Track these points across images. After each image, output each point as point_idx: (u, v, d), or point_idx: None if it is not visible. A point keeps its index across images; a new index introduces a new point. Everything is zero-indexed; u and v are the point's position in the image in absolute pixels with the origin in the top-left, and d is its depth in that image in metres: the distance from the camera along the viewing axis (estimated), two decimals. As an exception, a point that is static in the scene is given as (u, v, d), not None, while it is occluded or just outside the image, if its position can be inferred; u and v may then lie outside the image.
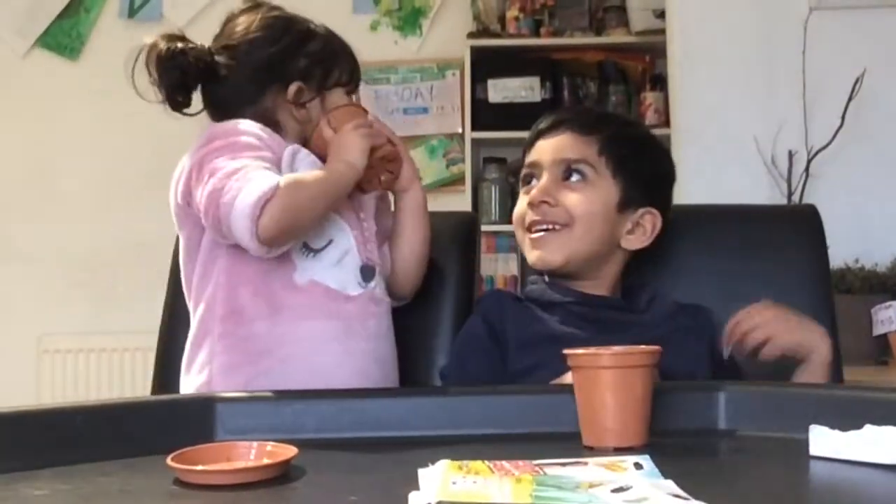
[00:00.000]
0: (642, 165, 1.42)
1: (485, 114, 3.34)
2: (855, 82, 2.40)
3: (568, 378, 1.20)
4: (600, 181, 1.39)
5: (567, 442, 0.96)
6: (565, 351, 1.01)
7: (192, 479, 0.83)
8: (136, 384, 3.33)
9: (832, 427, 0.89)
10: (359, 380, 1.31)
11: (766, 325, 1.26)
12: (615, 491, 0.73)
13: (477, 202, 3.41)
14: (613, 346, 1.00)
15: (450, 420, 1.04)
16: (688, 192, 2.51)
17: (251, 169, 1.22)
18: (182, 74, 1.35)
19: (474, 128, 3.35)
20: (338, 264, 1.33)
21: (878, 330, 2.20)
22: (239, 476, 0.84)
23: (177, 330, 1.43)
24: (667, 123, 2.92)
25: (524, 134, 1.50)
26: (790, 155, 2.47)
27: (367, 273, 1.36)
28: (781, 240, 1.55)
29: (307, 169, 1.31)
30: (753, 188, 2.48)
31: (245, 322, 1.30)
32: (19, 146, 3.52)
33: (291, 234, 1.25)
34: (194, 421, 1.02)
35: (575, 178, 1.39)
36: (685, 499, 0.71)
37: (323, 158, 1.34)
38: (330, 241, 1.33)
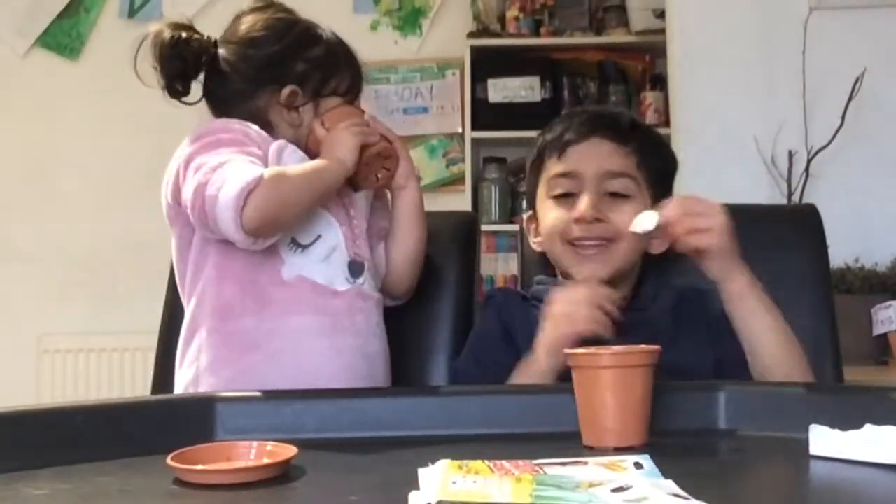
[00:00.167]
0: (667, 172, 1.46)
1: (485, 113, 3.34)
2: (855, 82, 2.40)
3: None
4: (640, 194, 1.38)
5: (567, 442, 0.96)
6: (565, 350, 1.02)
7: (191, 479, 0.83)
8: (136, 384, 3.33)
9: (832, 427, 0.89)
10: (346, 375, 1.31)
11: (712, 240, 1.25)
12: (615, 491, 0.73)
13: (477, 202, 3.41)
14: (613, 346, 1.00)
15: (450, 420, 1.04)
16: (688, 191, 2.51)
17: (235, 162, 1.24)
18: (182, 63, 1.37)
19: (474, 127, 3.35)
20: (326, 260, 1.34)
21: (878, 330, 2.20)
22: (239, 476, 0.84)
23: (177, 330, 1.43)
24: (667, 123, 2.92)
25: (524, 134, 1.50)
26: (790, 155, 2.47)
27: (355, 269, 1.36)
28: (781, 240, 1.55)
29: (294, 164, 1.31)
30: (753, 188, 2.48)
31: (233, 317, 1.31)
32: (19, 146, 3.52)
33: (276, 225, 1.25)
34: (194, 421, 1.02)
35: (619, 191, 1.37)
36: (685, 499, 0.71)
37: (316, 158, 1.34)
38: (318, 237, 1.34)
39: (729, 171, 2.52)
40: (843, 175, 2.47)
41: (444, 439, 0.99)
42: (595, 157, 1.38)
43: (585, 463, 0.84)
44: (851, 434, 0.87)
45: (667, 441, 0.96)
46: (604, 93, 3.44)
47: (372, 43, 3.44)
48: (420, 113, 3.50)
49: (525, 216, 1.51)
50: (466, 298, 1.53)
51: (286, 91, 1.37)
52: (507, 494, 0.72)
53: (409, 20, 3.54)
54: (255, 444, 0.91)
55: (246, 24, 1.41)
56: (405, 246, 1.43)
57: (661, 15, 2.96)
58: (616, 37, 3.41)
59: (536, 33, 3.42)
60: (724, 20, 2.58)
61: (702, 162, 2.54)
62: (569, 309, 1.24)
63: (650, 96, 3.38)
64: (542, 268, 1.48)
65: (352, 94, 1.43)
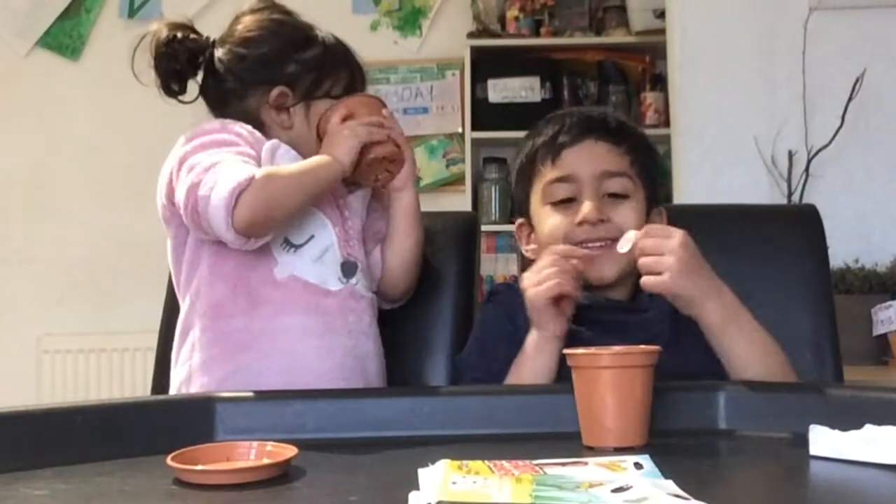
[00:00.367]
0: (656, 170, 1.45)
1: (485, 114, 3.34)
2: (855, 82, 2.40)
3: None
4: (637, 193, 1.38)
5: (567, 442, 0.96)
6: (565, 350, 1.02)
7: (191, 479, 0.83)
8: (136, 384, 3.33)
9: (832, 427, 0.89)
10: (338, 375, 1.31)
11: (668, 262, 1.18)
12: (615, 491, 0.73)
13: (477, 202, 3.41)
14: (613, 346, 1.00)
15: (450, 420, 1.04)
16: (688, 192, 2.52)
17: (227, 162, 1.24)
18: (177, 63, 1.38)
19: (474, 128, 3.35)
20: (318, 260, 1.34)
21: (878, 330, 2.20)
22: (239, 476, 0.84)
23: (176, 330, 1.43)
24: (667, 123, 2.93)
25: (524, 134, 1.49)
26: (790, 155, 2.48)
27: (348, 269, 1.36)
28: (781, 240, 1.55)
29: (287, 164, 1.31)
30: (753, 188, 2.49)
31: (225, 317, 1.31)
32: (20, 146, 3.52)
33: (268, 224, 1.25)
34: (194, 421, 1.02)
35: (618, 191, 1.37)
36: (685, 499, 0.71)
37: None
38: (311, 237, 1.34)
39: (729, 171, 2.52)
40: (843, 175, 2.47)
41: (444, 439, 0.99)
42: (591, 158, 1.37)
43: (585, 463, 0.84)
44: (851, 434, 0.87)
45: (667, 441, 0.96)
46: (604, 93, 3.44)
47: (372, 43, 3.44)
48: (420, 113, 3.50)
49: (517, 223, 1.48)
50: (466, 298, 1.53)
51: (275, 92, 1.38)
52: (507, 494, 0.72)
53: (409, 20, 3.54)
54: (255, 444, 0.91)
55: (242, 25, 1.42)
56: (402, 249, 1.42)
57: (661, 15, 2.96)
58: (616, 37, 3.41)
59: (536, 33, 3.42)
60: (724, 20, 2.58)
61: (702, 162, 2.55)
62: (533, 279, 1.24)
63: (650, 96, 3.38)
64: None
65: (347, 96, 1.42)
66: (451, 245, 1.55)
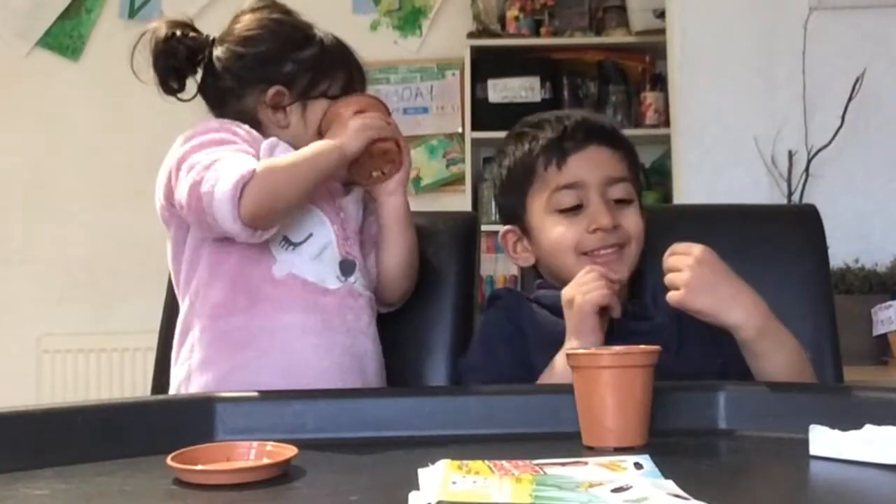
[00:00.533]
0: (639, 169, 1.45)
1: (485, 114, 3.34)
2: (855, 82, 2.40)
3: (559, 367, 1.20)
4: (635, 196, 1.40)
5: (567, 442, 0.96)
6: (565, 351, 1.02)
7: (191, 479, 0.83)
8: (136, 384, 3.33)
9: (832, 427, 0.89)
10: (336, 373, 1.31)
11: (684, 278, 1.18)
12: (615, 491, 0.73)
13: (477, 202, 3.41)
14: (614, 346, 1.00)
15: (450, 420, 1.04)
16: (688, 192, 2.52)
17: (228, 158, 1.24)
18: (175, 61, 1.38)
19: (474, 128, 3.35)
20: (317, 258, 1.34)
21: (878, 330, 2.21)
22: (239, 476, 0.84)
23: (176, 330, 1.43)
24: (667, 123, 2.93)
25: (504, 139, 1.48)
26: (790, 155, 2.48)
27: (346, 268, 1.36)
28: (781, 240, 1.55)
29: None
30: (753, 188, 2.49)
31: (224, 315, 1.31)
32: (20, 146, 3.52)
33: (273, 214, 1.25)
34: (194, 421, 1.02)
35: (622, 196, 1.37)
36: (685, 499, 0.71)
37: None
38: (310, 235, 1.34)
39: (729, 171, 2.53)
40: (843, 175, 2.48)
41: (444, 439, 0.99)
42: (597, 165, 1.37)
43: (585, 463, 0.84)
44: (851, 434, 0.87)
45: (667, 441, 0.96)
46: (604, 93, 3.44)
47: (372, 43, 3.44)
48: (420, 113, 3.50)
49: (502, 232, 1.46)
50: (466, 298, 1.53)
51: (272, 91, 1.38)
52: (507, 494, 0.72)
53: (409, 20, 3.54)
54: (255, 444, 0.91)
55: (241, 24, 1.42)
56: (395, 253, 1.42)
57: (661, 15, 2.96)
58: (616, 37, 3.41)
59: (536, 33, 3.42)
60: (724, 20, 2.58)
61: (702, 162, 2.55)
62: (581, 289, 1.24)
63: (650, 96, 3.38)
64: (538, 273, 1.47)
65: (334, 96, 1.41)
66: (451, 245, 1.55)
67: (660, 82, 3.34)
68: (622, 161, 1.40)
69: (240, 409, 1.05)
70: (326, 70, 1.40)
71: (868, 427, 0.87)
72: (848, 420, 0.89)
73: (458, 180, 3.46)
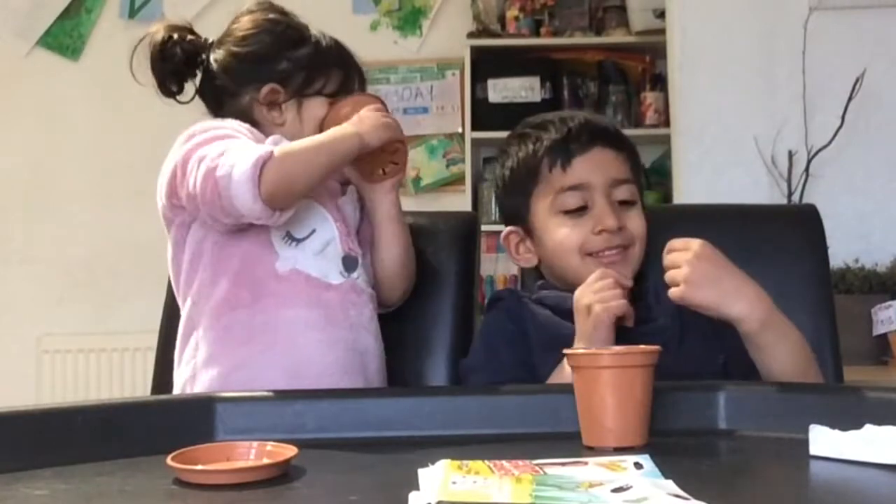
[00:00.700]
0: (641, 171, 1.45)
1: (485, 114, 3.34)
2: (855, 82, 2.40)
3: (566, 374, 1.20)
4: (639, 197, 1.40)
5: (567, 442, 0.96)
6: (565, 351, 1.02)
7: (191, 479, 0.83)
8: (136, 384, 3.33)
9: (832, 427, 0.89)
10: (338, 368, 1.31)
11: (683, 273, 1.18)
12: (615, 491, 0.73)
13: (477, 202, 3.41)
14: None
15: (450, 420, 1.04)
16: (688, 192, 2.52)
17: (238, 146, 1.25)
18: (172, 63, 1.39)
19: (474, 128, 3.35)
20: (320, 253, 1.34)
21: (878, 330, 2.20)
22: (239, 476, 0.84)
23: (177, 330, 1.43)
24: (667, 123, 2.93)
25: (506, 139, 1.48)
26: (790, 155, 2.48)
27: (349, 263, 1.36)
28: (781, 240, 1.55)
29: None
30: (753, 188, 2.49)
31: (227, 311, 1.31)
32: (20, 146, 3.52)
33: (291, 195, 1.25)
34: (194, 421, 1.02)
35: (626, 198, 1.37)
36: (685, 499, 0.71)
37: None
38: (313, 231, 1.35)
39: (729, 171, 2.53)
40: (843, 175, 2.48)
41: (444, 439, 0.99)
42: (601, 166, 1.37)
43: (585, 463, 0.84)
44: (851, 434, 0.87)
45: (667, 441, 0.96)
46: (604, 93, 3.45)
47: (372, 43, 3.44)
48: (420, 113, 3.50)
49: (504, 233, 1.46)
50: (466, 298, 1.53)
51: (266, 89, 1.38)
52: (507, 494, 0.72)
53: (409, 20, 3.54)
54: (255, 444, 0.91)
55: (238, 24, 1.43)
56: (391, 253, 1.42)
57: (661, 15, 2.96)
58: (616, 37, 3.41)
59: (536, 33, 3.42)
60: (724, 20, 2.58)
61: (702, 162, 2.55)
62: (598, 296, 1.23)
63: (650, 96, 3.38)
64: (540, 273, 1.47)
65: (341, 96, 1.41)
66: (451, 245, 1.55)
67: (660, 82, 3.34)
68: (626, 163, 1.40)
69: (240, 409, 1.05)
70: (321, 68, 1.41)
71: (868, 427, 0.87)
72: (848, 420, 0.89)
73: (458, 180, 3.47)
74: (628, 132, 1.56)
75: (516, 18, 3.40)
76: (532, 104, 3.29)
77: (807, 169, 2.45)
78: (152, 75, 1.39)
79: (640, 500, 0.71)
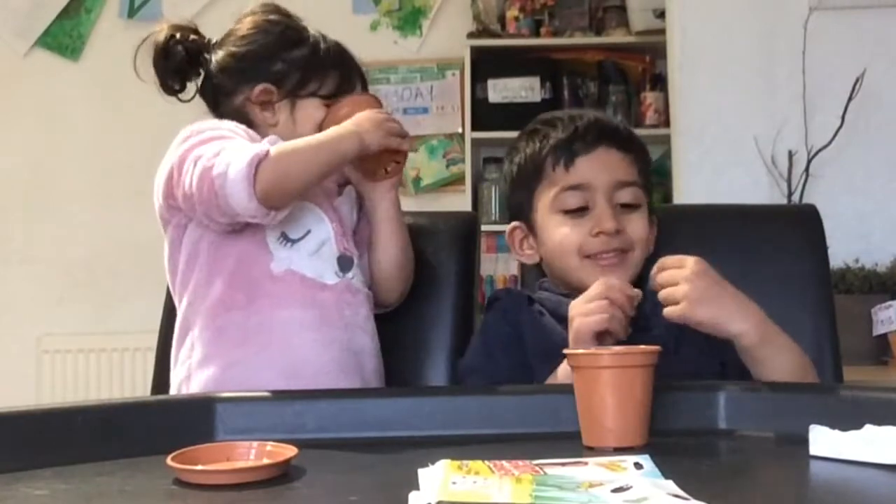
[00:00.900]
0: (651, 174, 1.44)
1: (485, 114, 3.34)
2: (855, 82, 2.40)
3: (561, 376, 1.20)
4: (643, 201, 1.38)
5: (567, 442, 0.96)
6: (565, 351, 1.02)
7: (191, 479, 0.83)
8: (136, 384, 3.33)
9: (832, 427, 0.89)
10: (334, 368, 1.31)
11: (682, 291, 1.16)
12: (615, 491, 0.73)
13: (477, 202, 3.41)
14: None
15: (450, 420, 1.04)
16: (688, 192, 2.52)
17: (235, 145, 1.25)
18: (173, 63, 1.41)
19: (474, 128, 3.35)
20: (315, 254, 1.34)
21: (878, 330, 2.21)
22: (239, 476, 0.84)
23: (175, 332, 1.44)
24: (667, 124, 2.93)
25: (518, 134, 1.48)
26: (790, 155, 2.48)
27: (344, 263, 1.36)
28: (781, 240, 1.55)
29: None
30: (753, 188, 2.49)
31: (222, 312, 1.31)
32: (20, 146, 3.52)
33: (287, 195, 1.25)
34: (194, 421, 1.02)
35: (629, 201, 1.36)
36: (685, 499, 0.71)
37: None
38: (308, 232, 1.35)
39: (729, 171, 2.53)
40: (843, 175, 2.48)
41: (444, 439, 0.99)
42: (605, 167, 1.36)
43: (585, 463, 0.84)
44: (851, 434, 0.87)
45: (667, 441, 0.96)
46: (604, 93, 3.44)
47: (372, 43, 3.44)
48: (420, 113, 3.50)
49: (509, 228, 1.45)
50: (466, 298, 1.53)
51: (258, 88, 1.39)
52: (507, 495, 0.72)
53: (409, 20, 3.54)
54: (255, 444, 0.91)
55: (239, 25, 1.45)
56: (388, 253, 1.42)
57: (661, 15, 2.96)
58: (616, 37, 3.41)
59: (536, 33, 3.42)
60: (724, 20, 2.58)
61: (702, 162, 2.55)
62: (582, 309, 1.21)
63: (650, 96, 3.38)
64: (541, 271, 1.47)
65: (339, 98, 1.41)
66: (451, 245, 1.56)
67: (660, 82, 3.34)
68: (632, 165, 1.38)
69: (240, 409, 1.05)
70: (317, 70, 1.41)
71: (868, 427, 0.87)
72: (848, 420, 0.89)
73: (458, 180, 3.47)
74: (628, 132, 1.55)
75: (516, 18, 3.40)
76: (532, 104, 3.29)
77: (807, 169, 2.45)
78: (155, 73, 1.39)
79: (640, 500, 0.71)
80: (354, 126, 1.30)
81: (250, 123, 1.39)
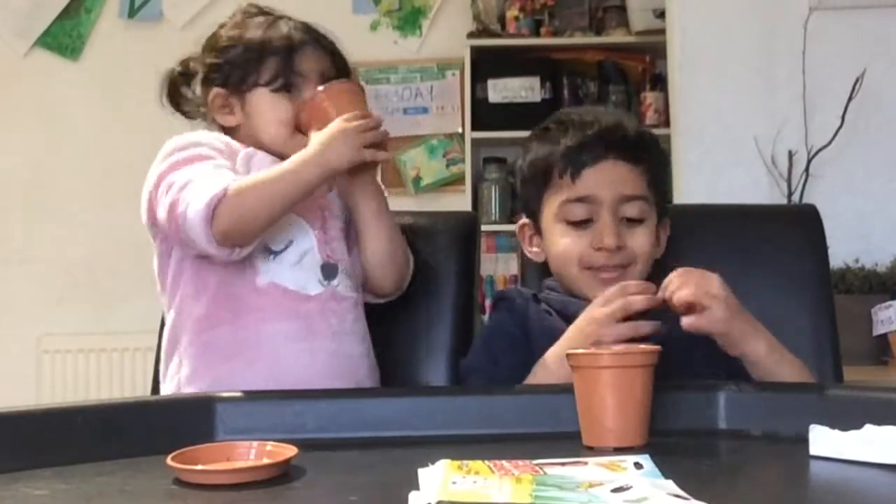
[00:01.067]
0: (667, 180, 1.43)
1: (485, 114, 3.34)
2: (855, 82, 2.40)
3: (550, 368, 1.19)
4: (650, 214, 1.36)
5: (567, 442, 0.96)
6: (566, 351, 1.02)
7: (191, 479, 0.83)
8: (136, 384, 3.33)
9: (832, 427, 0.89)
10: (324, 377, 1.31)
11: (718, 309, 1.16)
12: (615, 491, 0.73)
13: (477, 202, 3.41)
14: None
15: (450, 420, 1.04)
16: (688, 192, 2.52)
17: (200, 178, 1.26)
18: (182, 97, 1.45)
19: (474, 128, 3.35)
20: (297, 265, 1.34)
21: (878, 330, 2.21)
22: (239, 476, 0.84)
23: (163, 345, 1.44)
24: (667, 124, 2.92)
25: (524, 134, 1.48)
26: (790, 155, 2.47)
27: (328, 271, 1.36)
28: (781, 240, 1.55)
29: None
30: (753, 188, 2.49)
31: (209, 328, 1.32)
32: (19, 146, 3.52)
33: (248, 233, 1.26)
34: (194, 421, 1.02)
35: (634, 216, 1.34)
36: (685, 499, 0.71)
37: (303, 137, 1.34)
38: (290, 242, 1.35)
39: (729, 171, 2.52)
40: (843, 175, 2.47)
41: (444, 439, 0.99)
42: (612, 181, 1.34)
43: (585, 463, 0.84)
44: (851, 434, 0.87)
45: (667, 441, 0.96)
46: (604, 93, 3.44)
47: (372, 43, 3.44)
48: (420, 113, 3.50)
49: (520, 224, 1.46)
50: (466, 298, 1.53)
51: (211, 95, 1.40)
52: (507, 495, 0.72)
53: (409, 20, 3.54)
54: (255, 444, 0.91)
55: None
56: (375, 246, 1.39)
57: (661, 15, 2.96)
58: (616, 37, 3.41)
59: (536, 33, 3.42)
60: (724, 20, 2.58)
61: (702, 162, 2.54)
62: (591, 326, 1.20)
63: (650, 96, 3.38)
64: (544, 270, 1.47)
65: (280, 83, 1.38)
66: (451, 245, 1.55)
67: (660, 82, 3.34)
68: (641, 177, 1.36)
69: (240, 409, 1.05)
70: (255, 61, 1.39)
71: (868, 427, 0.87)
72: (848, 420, 0.89)
73: (458, 180, 3.46)
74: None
75: (516, 18, 3.40)
76: (532, 104, 3.29)
77: (807, 169, 2.45)
78: (171, 105, 1.45)
79: (640, 500, 0.71)
80: (321, 145, 1.28)
81: (224, 130, 1.41)
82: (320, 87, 1.35)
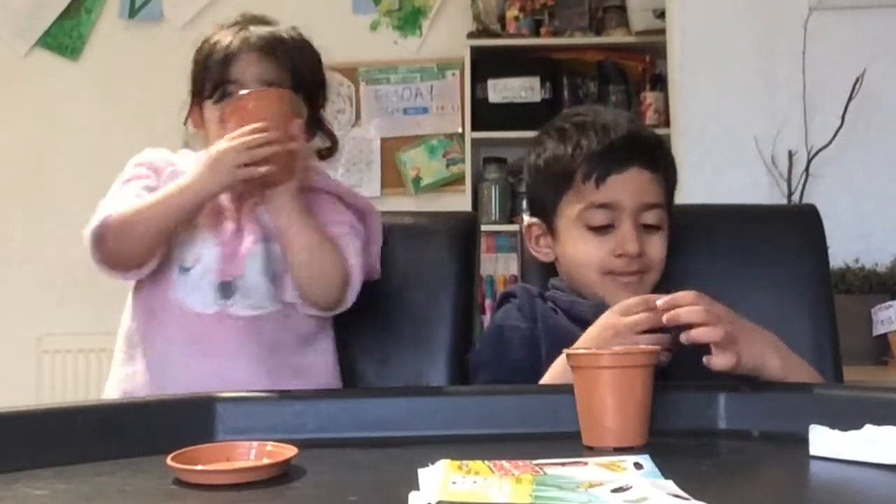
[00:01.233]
0: (674, 191, 1.42)
1: (485, 114, 3.34)
2: (855, 82, 2.40)
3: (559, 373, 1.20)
4: (665, 221, 1.37)
5: (567, 442, 0.96)
6: (565, 351, 1.02)
7: (191, 479, 0.83)
8: (136, 384, 3.32)
9: (832, 427, 0.89)
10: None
11: (734, 344, 1.09)
12: (615, 491, 0.73)
13: (477, 202, 3.41)
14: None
15: (450, 420, 1.04)
16: (688, 192, 2.52)
17: (109, 202, 1.37)
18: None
19: (474, 128, 3.35)
20: (198, 283, 1.36)
21: (878, 330, 2.21)
22: (239, 476, 0.84)
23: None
24: (667, 124, 2.93)
25: (524, 134, 1.48)
26: (790, 155, 2.47)
27: (224, 290, 1.36)
28: (781, 240, 1.55)
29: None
30: (753, 188, 2.49)
31: (129, 338, 1.42)
32: (20, 146, 3.52)
33: (129, 256, 1.33)
34: (194, 421, 1.02)
35: (653, 223, 1.35)
36: (685, 499, 0.71)
37: None
38: (199, 259, 1.37)
39: (729, 171, 2.52)
40: (843, 175, 2.47)
41: (444, 439, 0.99)
42: (635, 188, 1.34)
43: (585, 463, 0.84)
44: (851, 434, 0.87)
45: (667, 441, 0.96)
46: (604, 93, 3.44)
47: (372, 43, 3.44)
48: (420, 113, 3.50)
49: (527, 222, 1.45)
50: (466, 298, 1.53)
51: (186, 114, 1.45)
52: (507, 495, 0.72)
53: (409, 20, 3.54)
54: (255, 444, 0.91)
55: None
56: (293, 259, 1.34)
57: (661, 15, 2.96)
58: (616, 37, 3.41)
59: (536, 33, 3.42)
60: (724, 20, 2.58)
61: (702, 162, 2.54)
62: (607, 332, 1.17)
63: (650, 96, 3.38)
64: (545, 270, 1.47)
65: (219, 95, 1.39)
66: (451, 245, 1.55)
67: (660, 82, 3.34)
68: (660, 185, 1.37)
69: (240, 409, 1.05)
70: (197, 77, 1.43)
71: (868, 427, 0.87)
72: (848, 420, 0.89)
73: (458, 180, 3.47)
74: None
75: (516, 18, 3.40)
76: (532, 104, 3.29)
77: (807, 169, 2.45)
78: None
79: (640, 501, 0.71)
80: (200, 168, 1.31)
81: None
82: (236, 96, 1.35)
